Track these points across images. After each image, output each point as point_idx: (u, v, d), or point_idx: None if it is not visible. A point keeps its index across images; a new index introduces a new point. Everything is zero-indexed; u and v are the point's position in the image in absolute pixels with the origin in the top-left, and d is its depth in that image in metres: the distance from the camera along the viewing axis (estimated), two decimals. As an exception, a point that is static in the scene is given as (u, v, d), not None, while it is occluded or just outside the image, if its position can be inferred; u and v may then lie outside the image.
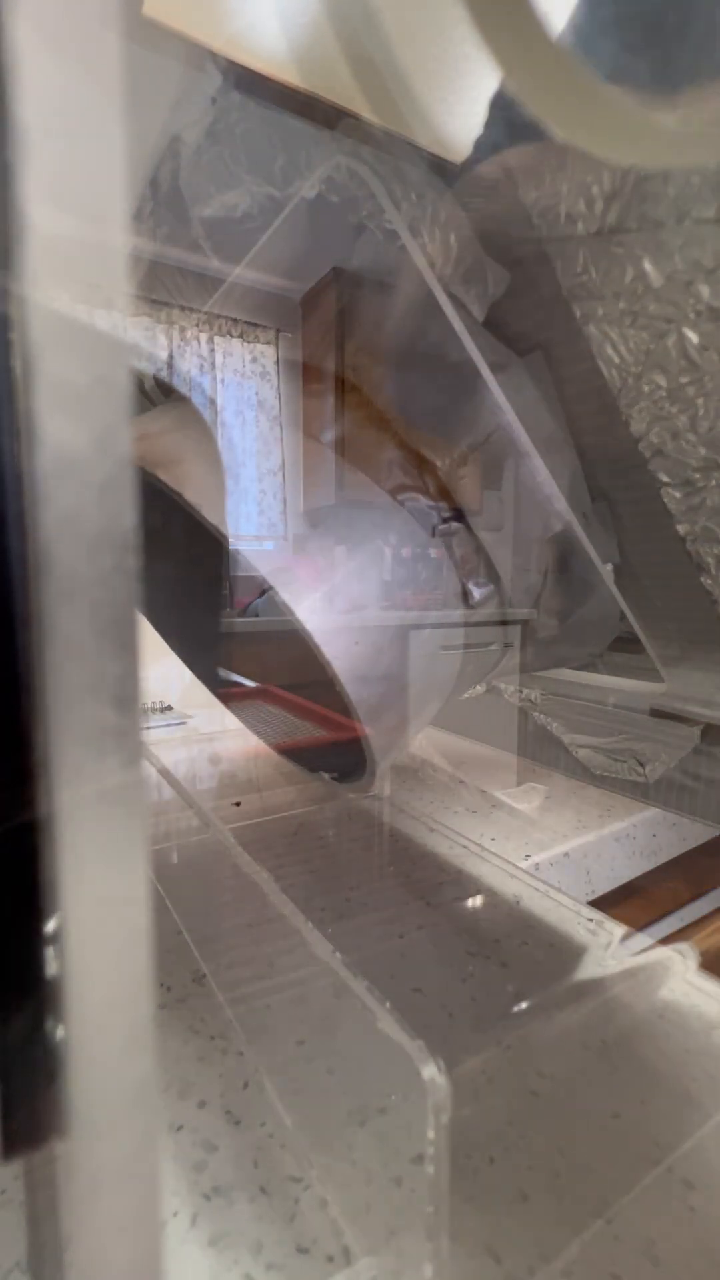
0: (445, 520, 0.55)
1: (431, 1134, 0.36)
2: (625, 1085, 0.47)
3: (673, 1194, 0.39)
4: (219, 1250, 0.36)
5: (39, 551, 0.17)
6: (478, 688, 0.89)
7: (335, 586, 0.51)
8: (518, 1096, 0.45)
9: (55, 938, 0.18)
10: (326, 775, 0.66)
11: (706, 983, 0.56)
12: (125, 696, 0.18)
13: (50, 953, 0.18)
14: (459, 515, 0.57)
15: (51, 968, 0.18)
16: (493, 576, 0.58)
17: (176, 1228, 0.37)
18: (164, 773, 0.86)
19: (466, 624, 0.57)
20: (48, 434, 0.18)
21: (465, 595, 0.56)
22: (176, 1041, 0.50)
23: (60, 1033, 0.18)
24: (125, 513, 0.18)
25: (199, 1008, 0.53)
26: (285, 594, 0.49)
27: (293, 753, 0.81)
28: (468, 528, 0.57)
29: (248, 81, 0.43)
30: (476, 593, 0.56)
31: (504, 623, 0.60)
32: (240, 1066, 0.47)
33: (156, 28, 0.44)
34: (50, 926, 0.18)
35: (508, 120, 0.38)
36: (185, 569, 0.77)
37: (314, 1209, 0.38)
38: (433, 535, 0.55)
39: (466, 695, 0.90)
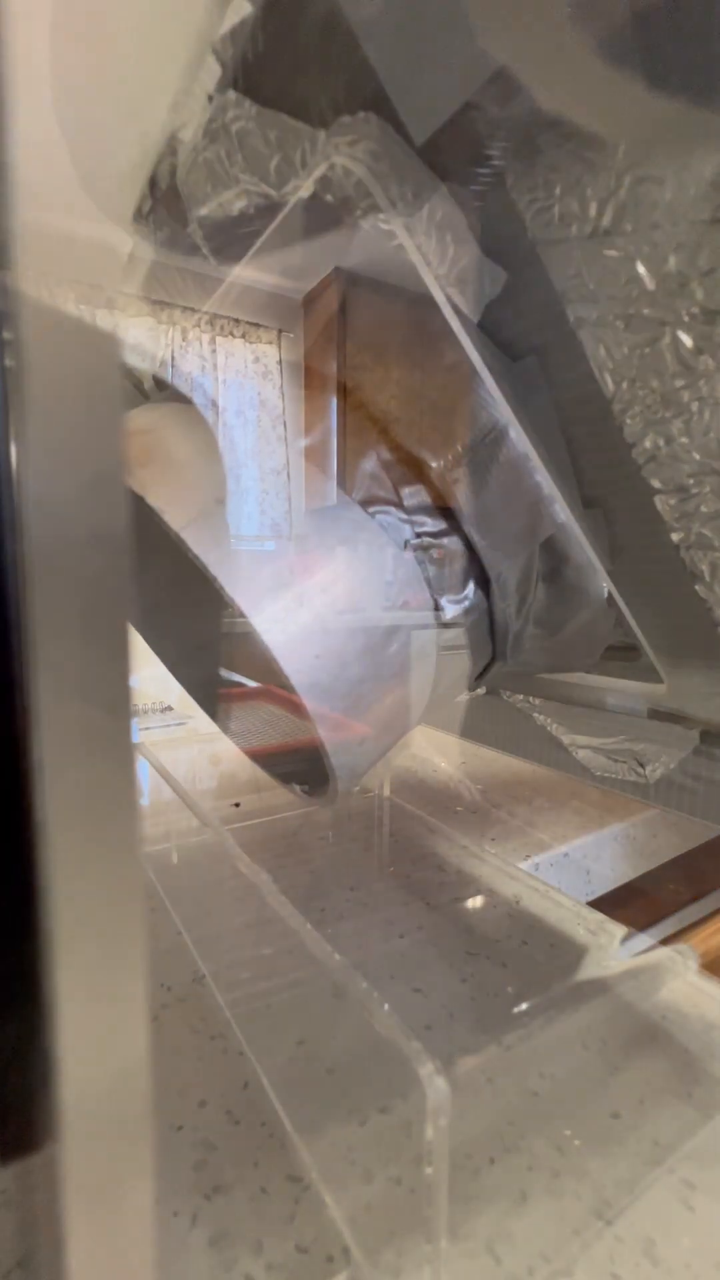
0: (419, 535, 0.54)
1: (431, 1134, 0.36)
2: (625, 1085, 0.46)
3: (673, 1194, 0.39)
4: (219, 1250, 0.36)
5: (30, 552, 0.17)
6: (478, 689, 0.88)
7: (298, 598, 0.50)
8: (518, 1096, 0.45)
9: (47, 943, 0.18)
10: (297, 787, 0.66)
11: (707, 983, 0.56)
12: (117, 699, 0.18)
13: (43, 958, 0.18)
14: (450, 521, 0.56)
15: (44, 973, 0.18)
16: (482, 583, 0.57)
17: (177, 1227, 0.37)
18: (163, 773, 0.86)
19: (444, 636, 0.56)
20: (39, 433, 0.18)
21: (438, 611, 0.55)
22: (176, 1041, 0.50)
23: (54, 1038, 0.18)
24: (117, 513, 0.18)
25: (199, 1008, 0.53)
26: (244, 606, 0.49)
27: (262, 759, 0.80)
28: (461, 533, 0.56)
29: (244, 79, 0.43)
30: (450, 609, 0.55)
31: (490, 633, 0.59)
32: (240, 1066, 0.47)
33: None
34: (42, 931, 0.18)
35: (496, 117, 0.38)
36: (171, 573, 0.76)
37: (314, 1209, 0.38)
38: (405, 549, 0.54)
39: (464, 697, 0.90)
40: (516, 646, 0.59)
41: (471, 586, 0.57)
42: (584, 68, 0.34)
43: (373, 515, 0.55)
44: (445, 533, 0.56)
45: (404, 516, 0.55)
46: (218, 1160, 0.41)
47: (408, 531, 0.55)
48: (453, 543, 0.56)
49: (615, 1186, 0.39)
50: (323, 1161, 0.41)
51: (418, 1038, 0.38)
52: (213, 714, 0.90)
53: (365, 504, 0.55)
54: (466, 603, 0.56)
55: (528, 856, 0.79)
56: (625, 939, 0.61)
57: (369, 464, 0.57)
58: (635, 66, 0.34)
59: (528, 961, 0.59)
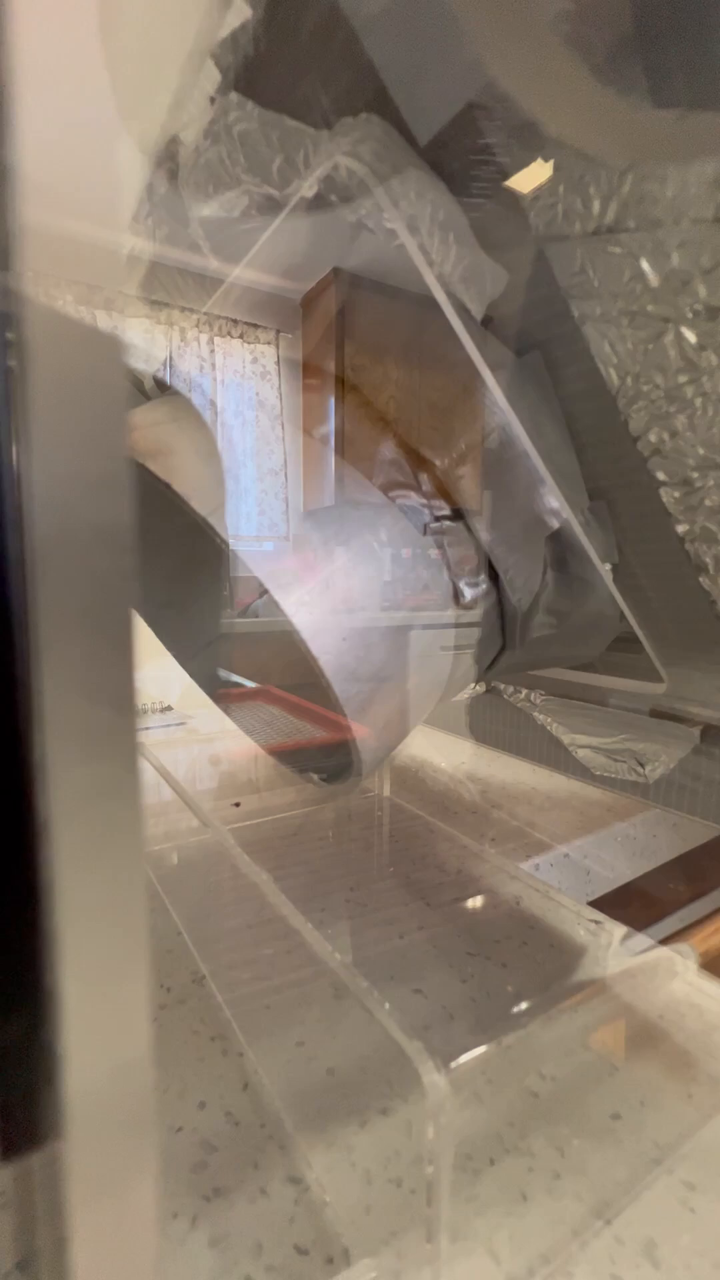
0: (438, 519, 0.55)
1: (431, 1135, 0.36)
2: (625, 1086, 0.46)
3: (673, 1195, 0.39)
4: (219, 1251, 0.36)
5: (34, 551, 0.17)
6: (477, 687, 0.88)
7: (324, 582, 0.51)
8: (518, 1097, 0.45)
9: (51, 940, 0.18)
10: (315, 776, 0.66)
11: (707, 983, 0.56)
12: (121, 697, 0.18)
13: (46, 955, 0.18)
14: (458, 514, 0.56)
15: (48, 970, 0.18)
16: (491, 575, 0.57)
17: (177, 1229, 0.37)
18: (163, 773, 0.86)
19: (460, 624, 0.57)
20: (43, 433, 0.18)
21: (457, 595, 0.56)
22: (176, 1042, 0.50)
23: (57, 1035, 0.18)
24: (121, 512, 0.18)
25: (199, 1009, 0.53)
26: (273, 588, 0.49)
27: (283, 754, 0.81)
28: (467, 526, 0.56)
29: (246, 80, 0.43)
30: (469, 593, 0.55)
31: (501, 622, 0.59)
32: (240, 1067, 0.47)
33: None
34: (46, 929, 0.18)
35: (500, 117, 0.38)
36: (183, 568, 0.77)
37: (314, 1210, 0.38)
38: (424, 533, 0.55)
39: (464, 695, 0.90)
40: (525, 634, 0.60)
41: (484, 575, 0.57)
42: (582, 90, 0.34)
43: (393, 500, 0.55)
44: (459, 517, 0.56)
45: (423, 501, 0.56)
46: (217, 1162, 0.41)
47: (427, 515, 0.56)
48: (467, 529, 0.57)
49: (615, 1187, 0.39)
50: (322, 1163, 0.40)
51: (418, 1037, 0.38)
52: (223, 706, 0.91)
53: (386, 489, 0.56)
54: (482, 587, 0.57)
55: (528, 856, 0.79)
56: (625, 939, 0.61)
57: (388, 451, 0.58)
58: (635, 81, 0.34)
59: (528, 961, 0.59)
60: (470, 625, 0.56)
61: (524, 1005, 0.54)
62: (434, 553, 0.54)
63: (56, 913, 0.17)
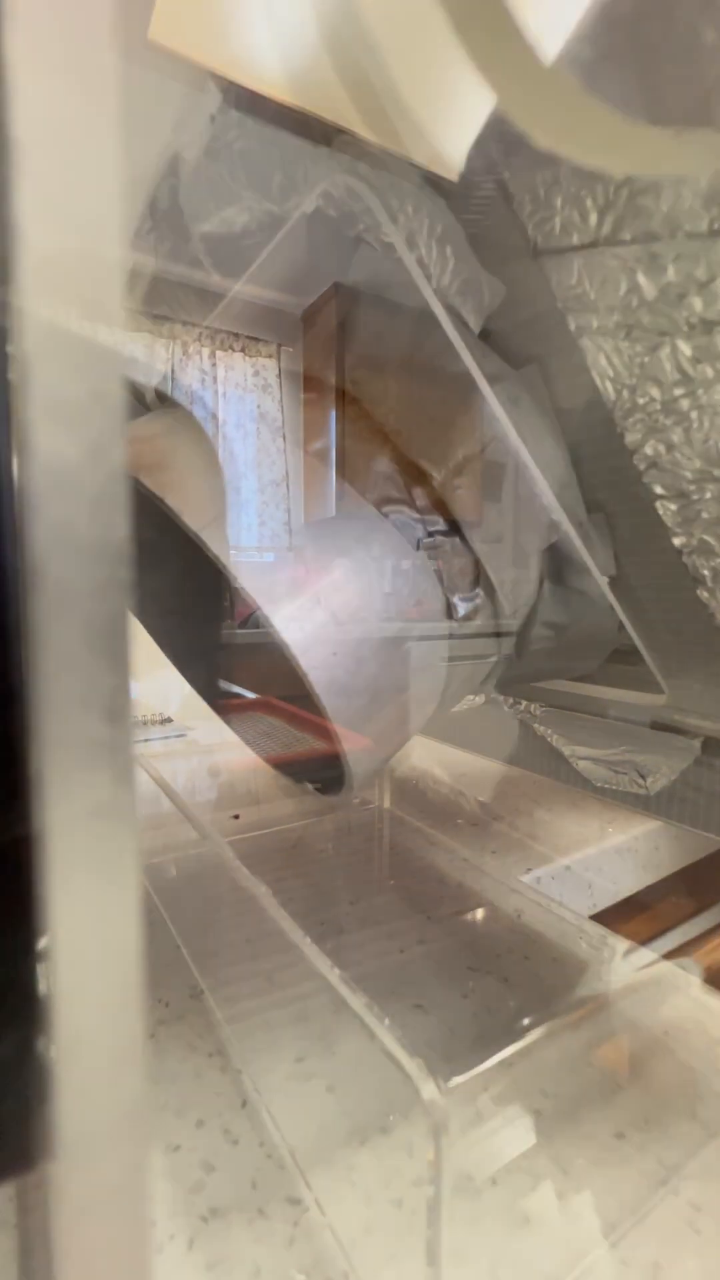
0: (431, 534, 0.55)
1: (432, 1155, 0.35)
2: (629, 1104, 0.46)
3: (679, 1216, 0.38)
4: (217, 1275, 0.35)
5: (31, 563, 0.17)
6: (476, 699, 0.88)
7: (316, 597, 0.51)
8: (521, 1115, 0.45)
9: (45, 956, 0.17)
10: (310, 786, 0.66)
11: (710, 998, 0.56)
12: (117, 710, 0.18)
13: (40, 971, 0.18)
14: (454, 527, 0.57)
15: (41, 987, 0.18)
16: (487, 589, 0.58)
17: (173, 1251, 0.36)
18: (162, 785, 0.86)
19: (454, 636, 0.57)
20: (41, 446, 0.18)
21: (450, 609, 0.56)
22: (174, 1059, 0.49)
23: (50, 1053, 0.18)
24: (118, 525, 0.18)
25: (197, 1024, 0.52)
26: (263, 604, 0.49)
27: (281, 765, 0.81)
28: (464, 539, 0.57)
29: (246, 100, 0.43)
30: (463, 607, 0.56)
31: (496, 635, 0.60)
32: (238, 1084, 0.47)
33: (159, 50, 0.45)
34: (40, 944, 0.18)
35: (499, 133, 0.38)
36: (183, 579, 0.77)
37: (313, 1232, 0.37)
38: (418, 549, 0.55)
39: (463, 707, 0.90)
40: (522, 647, 0.60)
41: (480, 589, 0.58)
42: (575, 105, 0.35)
43: (386, 515, 0.56)
44: (455, 532, 0.57)
45: (416, 516, 0.56)
46: (215, 1182, 0.40)
47: (420, 531, 0.56)
48: (463, 543, 0.57)
49: (620, 1208, 0.39)
50: (322, 1182, 0.40)
51: (418, 1054, 0.38)
52: (222, 717, 0.91)
53: (379, 504, 0.56)
54: (477, 601, 0.57)
55: (529, 869, 0.78)
56: (628, 953, 0.60)
57: (382, 465, 0.58)
58: (629, 97, 0.34)
59: (530, 976, 0.58)
60: (465, 638, 0.56)
61: (526, 1021, 0.53)
62: (428, 567, 0.55)
63: (49, 929, 0.17)
